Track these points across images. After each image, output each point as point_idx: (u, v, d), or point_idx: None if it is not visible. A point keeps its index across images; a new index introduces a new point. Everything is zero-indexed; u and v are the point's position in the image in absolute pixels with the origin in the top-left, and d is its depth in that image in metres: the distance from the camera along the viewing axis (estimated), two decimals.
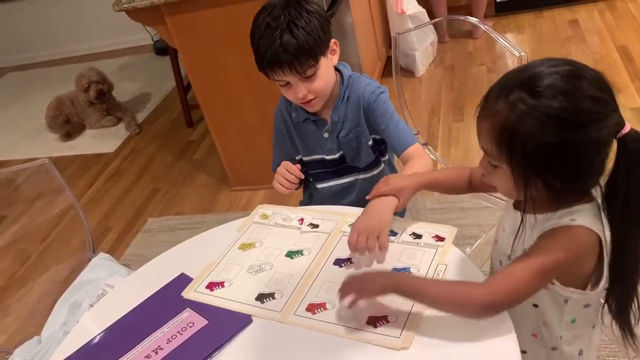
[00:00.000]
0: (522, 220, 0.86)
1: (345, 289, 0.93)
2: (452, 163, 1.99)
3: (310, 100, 1.27)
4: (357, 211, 1.17)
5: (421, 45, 3.23)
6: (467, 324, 0.88)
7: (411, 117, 1.68)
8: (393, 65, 1.64)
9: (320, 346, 0.93)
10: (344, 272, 1.06)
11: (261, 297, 1.05)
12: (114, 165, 3.34)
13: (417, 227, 1.13)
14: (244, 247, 1.20)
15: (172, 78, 3.42)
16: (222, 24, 2.24)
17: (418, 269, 1.01)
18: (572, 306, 0.91)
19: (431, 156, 1.79)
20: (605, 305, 0.93)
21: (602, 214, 0.85)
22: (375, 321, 0.93)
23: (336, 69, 1.35)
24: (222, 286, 1.10)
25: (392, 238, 1.10)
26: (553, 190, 0.82)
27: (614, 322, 0.92)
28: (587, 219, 0.82)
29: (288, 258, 1.13)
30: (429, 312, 0.92)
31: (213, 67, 2.38)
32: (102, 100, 3.59)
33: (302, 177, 1.34)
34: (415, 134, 1.70)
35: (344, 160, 1.41)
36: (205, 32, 2.29)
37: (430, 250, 1.05)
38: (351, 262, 1.07)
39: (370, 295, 0.93)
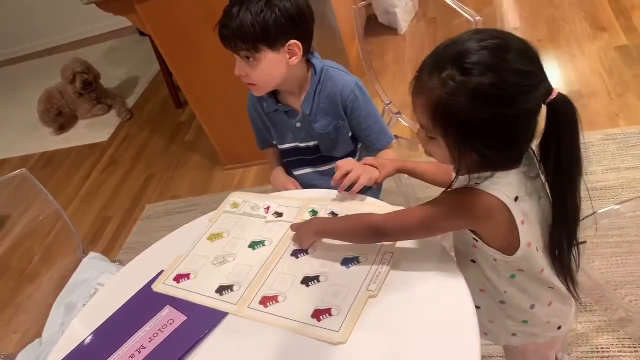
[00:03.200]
0: (454, 180, 0.91)
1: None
2: None
3: (250, 83, 1.28)
4: (322, 194, 1.19)
5: (402, 1, 3.17)
6: (425, 298, 0.91)
7: (383, 90, 1.67)
8: (359, 42, 1.62)
9: (274, 339, 0.94)
10: (299, 263, 1.07)
11: (221, 290, 1.07)
12: (109, 154, 3.37)
13: (363, 207, 1.14)
14: (213, 237, 1.22)
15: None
16: (193, 6, 2.21)
17: (366, 258, 1.02)
18: (503, 267, 0.94)
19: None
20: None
21: (527, 179, 0.88)
22: (319, 314, 0.94)
23: (307, 59, 1.34)
24: (188, 278, 1.13)
25: None
26: (486, 158, 0.84)
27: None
28: (493, 185, 0.85)
29: (250, 249, 1.15)
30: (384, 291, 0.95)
31: (189, 51, 2.36)
32: (89, 90, 3.60)
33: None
34: (388, 104, 1.70)
35: (319, 150, 1.43)
36: (177, 16, 2.26)
37: None
38: (307, 253, 1.09)
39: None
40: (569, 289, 0.96)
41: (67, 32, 5.21)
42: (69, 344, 1.13)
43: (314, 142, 1.41)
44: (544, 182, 0.91)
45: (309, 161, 1.46)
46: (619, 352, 1.44)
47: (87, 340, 1.11)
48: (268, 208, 1.24)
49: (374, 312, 0.93)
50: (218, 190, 2.69)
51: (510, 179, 0.86)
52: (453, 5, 1.32)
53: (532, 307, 1.00)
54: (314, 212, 1.18)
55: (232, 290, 1.06)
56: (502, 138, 0.82)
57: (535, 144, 0.87)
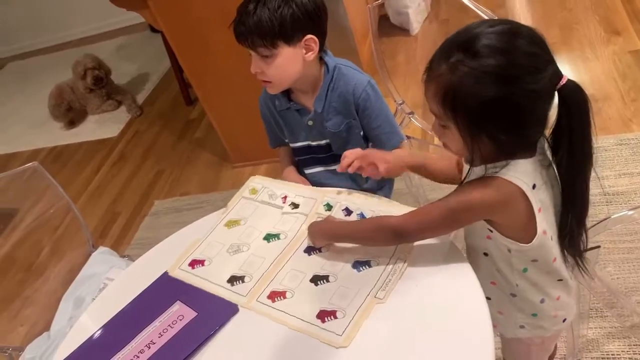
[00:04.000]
0: (467, 172, 0.91)
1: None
2: None
3: (265, 81, 1.27)
4: (337, 190, 1.19)
5: (414, 1, 3.16)
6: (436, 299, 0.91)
7: (396, 90, 1.66)
8: (372, 40, 1.61)
9: (280, 336, 0.95)
10: (311, 261, 1.07)
11: (232, 280, 1.08)
12: (119, 149, 3.38)
13: (378, 206, 1.13)
14: (230, 224, 1.23)
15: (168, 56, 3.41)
16: (206, 3, 2.21)
17: (378, 262, 1.01)
18: (517, 257, 0.94)
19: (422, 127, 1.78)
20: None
21: (541, 168, 0.88)
22: (324, 316, 0.94)
23: (320, 57, 1.33)
24: (203, 264, 1.14)
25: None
26: (499, 144, 0.84)
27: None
28: (510, 172, 0.85)
29: (265, 241, 1.15)
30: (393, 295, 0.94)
31: (201, 48, 2.37)
32: (100, 86, 3.61)
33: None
34: (400, 104, 1.69)
35: (330, 148, 1.42)
36: (190, 11, 2.27)
37: None
38: (319, 251, 1.08)
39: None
40: (578, 266, 0.97)
41: (79, 27, 5.23)
42: (77, 337, 1.13)
43: (325, 141, 1.41)
44: (555, 170, 0.91)
45: (320, 159, 1.45)
46: (629, 358, 1.43)
47: (97, 334, 1.11)
48: (285, 197, 1.25)
49: (381, 314, 0.93)
50: (227, 188, 2.69)
51: (526, 167, 0.86)
52: (470, 6, 1.31)
53: (542, 301, 1.00)
54: (329, 206, 1.18)
55: (243, 281, 1.07)
56: (511, 120, 0.82)
57: (547, 133, 0.88)
